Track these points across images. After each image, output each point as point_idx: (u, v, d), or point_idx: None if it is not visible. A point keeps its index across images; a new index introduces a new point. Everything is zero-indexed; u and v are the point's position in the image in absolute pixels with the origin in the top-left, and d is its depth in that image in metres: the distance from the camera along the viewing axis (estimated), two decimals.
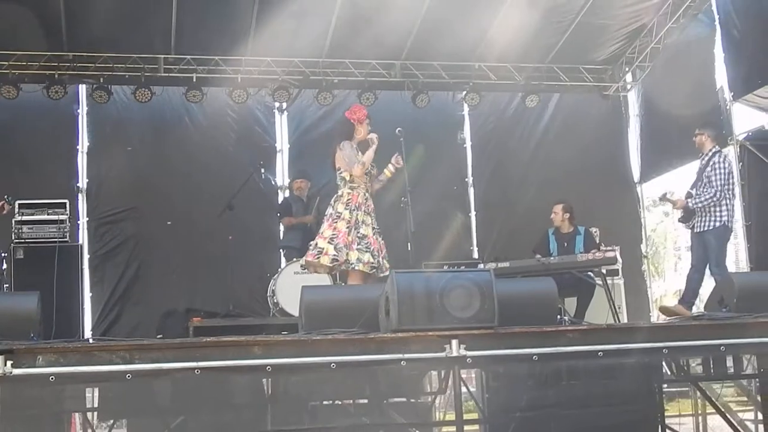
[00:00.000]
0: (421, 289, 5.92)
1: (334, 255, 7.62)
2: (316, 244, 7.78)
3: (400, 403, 7.44)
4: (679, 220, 9.52)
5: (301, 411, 6.66)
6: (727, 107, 11.26)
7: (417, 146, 9.44)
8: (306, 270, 8.54)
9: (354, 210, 7.79)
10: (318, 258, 7.69)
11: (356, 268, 7.67)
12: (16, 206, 9.85)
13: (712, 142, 9.19)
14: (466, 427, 6.12)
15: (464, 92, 13.06)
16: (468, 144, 13.38)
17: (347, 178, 7.91)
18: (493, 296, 5.93)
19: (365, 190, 7.89)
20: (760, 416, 8.16)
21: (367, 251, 7.69)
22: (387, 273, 7.66)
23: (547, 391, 6.45)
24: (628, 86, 13.66)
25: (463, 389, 6.41)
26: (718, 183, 8.87)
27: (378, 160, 8.07)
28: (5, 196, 9.27)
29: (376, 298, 6.20)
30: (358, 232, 7.72)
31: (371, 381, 6.18)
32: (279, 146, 12.74)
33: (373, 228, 7.88)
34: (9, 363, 5.23)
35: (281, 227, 11.61)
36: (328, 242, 7.69)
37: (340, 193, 7.94)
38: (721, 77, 11.36)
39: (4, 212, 9.21)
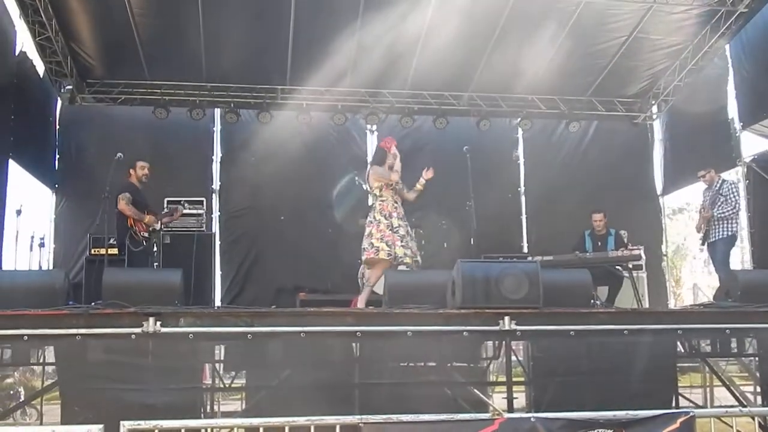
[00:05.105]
0: (481, 275, 5.95)
1: (388, 250, 7.82)
2: (372, 243, 7.92)
3: (462, 366, 7.41)
4: (701, 244, 9.74)
5: (383, 369, 6.68)
6: (737, 135, 11.09)
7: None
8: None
9: (387, 216, 7.98)
10: (377, 254, 7.83)
11: (404, 261, 7.81)
12: (165, 202, 10.10)
13: (717, 174, 9.66)
14: (514, 388, 6.11)
15: (519, 119, 12.94)
16: (521, 161, 13.22)
17: (377, 193, 8.14)
18: (539, 283, 5.93)
19: (393, 201, 8.06)
20: (758, 389, 7.95)
21: (408, 247, 7.84)
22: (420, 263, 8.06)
23: (580, 361, 6.37)
24: (654, 116, 13.34)
25: (513, 357, 6.39)
26: (734, 199, 9.32)
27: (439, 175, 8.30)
28: (182, 203, 9.65)
29: (444, 281, 6.23)
30: (397, 234, 7.86)
31: (439, 347, 6.17)
32: (369, 159, 12.79)
33: (407, 230, 8.04)
34: (158, 323, 5.43)
35: None
36: (380, 241, 7.84)
37: (372, 205, 8.15)
38: (732, 110, 11.17)
39: (178, 215, 9.57)
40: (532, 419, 5.09)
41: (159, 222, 8.87)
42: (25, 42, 10.40)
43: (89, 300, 6.84)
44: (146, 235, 8.68)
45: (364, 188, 12.40)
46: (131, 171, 8.88)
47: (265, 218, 12.23)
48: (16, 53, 10.28)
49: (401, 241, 7.85)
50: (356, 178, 11.54)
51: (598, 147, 13.23)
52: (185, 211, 10.04)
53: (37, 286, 6.03)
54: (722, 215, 9.26)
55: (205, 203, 10.67)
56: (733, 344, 7.34)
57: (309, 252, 11.87)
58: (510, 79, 12.19)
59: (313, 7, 10.43)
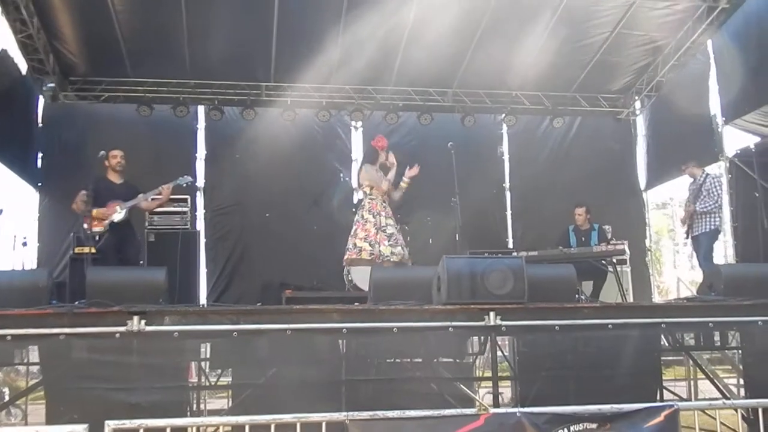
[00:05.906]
0: (466, 271, 5.94)
1: (370, 250, 7.84)
2: (355, 244, 7.93)
3: (448, 362, 7.41)
4: (686, 237, 9.81)
5: (369, 366, 6.67)
6: (719, 130, 11.12)
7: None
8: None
9: (376, 215, 7.99)
10: (359, 255, 7.84)
11: (391, 259, 7.81)
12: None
13: (699, 168, 9.73)
14: (500, 383, 6.11)
15: (503, 115, 12.97)
16: (506, 156, 13.24)
17: (368, 192, 8.15)
18: (524, 278, 5.93)
19: (382, 200, 8.08)
20: (741, 382, 8.00)
21: (397, 245, 7.86)
22: (409, 261, 8.11)
23: (566, 356, 6.39)
24: (637, 112, 13.42)
25: (498, 352, 6.39)
26: (716, 194, 9.39)
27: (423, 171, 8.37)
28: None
29: (430, 277, 6.22)
30: (385, 232, 7.87)
31: (425, 343, 6.17)
32: (354, 156, 12.77)
33: (396, 228, 8.03)
34: (143, 321, 5.38)
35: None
36: (363, 241, 7.86)
37: (362, 203, 8.14)
38: (714, 105, 11.19)
39: (167, 193, 8.65)
40: (517, 414, 5.08)
41: (123, 212, 8.20)
42: (6, 40, 10.31)
43: (73, 299, 6.76)
44: (100, 230, 8.07)
45: (349, 182, 12.45)
46: (105, 162, 8.46)
47: (251, 215, 12.19)
48: None
49: (388, 240, 7.87)
50: (341, 174, 11.52)
51: (582, 143, 13.27)
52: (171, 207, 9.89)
53: (20, 286, 5.96)
54: (704, 209, 9.32)
55: (189, 201, 10.57)
56: (717, 337, 7.38)
57: (295, 249, 11.83)
58: (494, 76, 12.22)
59: (297, 3, 10.40)
